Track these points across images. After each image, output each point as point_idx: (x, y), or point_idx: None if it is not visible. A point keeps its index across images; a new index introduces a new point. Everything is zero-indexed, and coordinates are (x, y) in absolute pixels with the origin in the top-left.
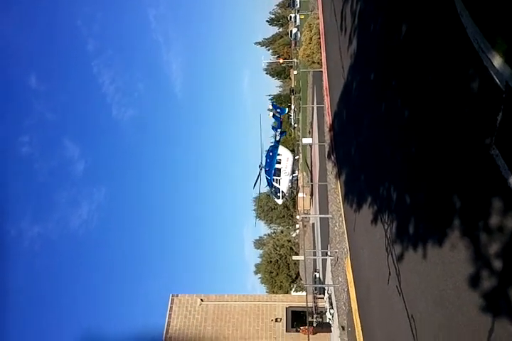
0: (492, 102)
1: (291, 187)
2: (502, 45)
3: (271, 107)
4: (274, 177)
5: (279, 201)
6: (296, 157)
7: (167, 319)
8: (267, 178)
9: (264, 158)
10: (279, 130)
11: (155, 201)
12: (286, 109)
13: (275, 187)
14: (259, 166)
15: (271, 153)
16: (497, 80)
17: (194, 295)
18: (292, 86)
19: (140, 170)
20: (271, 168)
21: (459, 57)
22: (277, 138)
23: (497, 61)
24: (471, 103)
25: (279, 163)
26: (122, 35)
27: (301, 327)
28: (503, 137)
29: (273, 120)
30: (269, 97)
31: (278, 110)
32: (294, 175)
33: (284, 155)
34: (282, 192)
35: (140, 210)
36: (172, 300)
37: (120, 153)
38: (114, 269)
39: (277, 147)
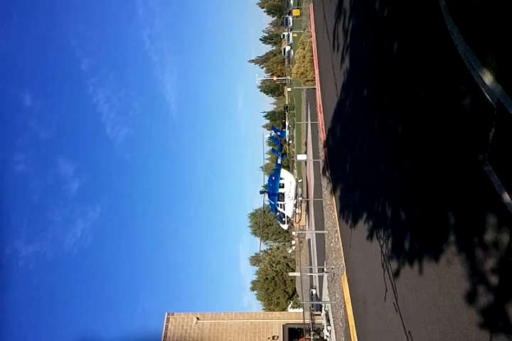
0: (484, 119)
1: (295, 212)
2: (492, 63)
3: (271, 132)
4: (278, 202)
5: (284, 226)
6: (299, 180)
7: (162, 338)
8: (270, 203)
9: (266, 183)
10: (279, 153)
11: (150, 219)
12: (287, 132)
13: (279, 212)
14: (260, 191)
15: (273, 177)
16: (488, 97)
17: (190, 314)
18: (286, 103)
19: (134, 188)
20: (274, 192)
21: (450, 74)
22: (279, 161)
23: (488, 78)
24: (464, 120)
25: (283, 187)
26: (117, 55)
27: (299, 340)
28: (496, 153)
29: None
30: (264, 114)
31: (278, 133)
32: (298, 198)
33: (287, 179)
34: (287, 216)
35: (135, 228)
36: (168, 318)
37: (114, 171)
38: (109, 288)
39: (279, 171)
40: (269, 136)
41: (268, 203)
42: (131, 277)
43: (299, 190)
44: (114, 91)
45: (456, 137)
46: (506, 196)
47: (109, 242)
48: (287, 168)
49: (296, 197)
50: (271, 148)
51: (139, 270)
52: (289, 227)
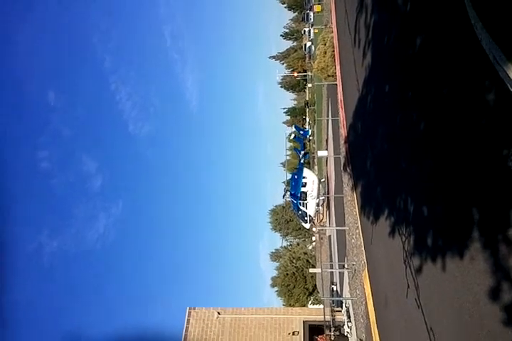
0: (509, 114)
1: (317, 211)
2: None
3: (293, 129)
4: (301, 201)
5: (307, 225)
6: (322, 179)
7: (184, 332)
8: (293, 202)
9: (289, 182)
10: (302, 152)
11: (171, 214)
12: (310, 131)
13: (302, 211)
14: (284, 189)
15: (296, 176)
16: None
17: (211, 308)
18: (307, 99)
19: (157, 185)
20: (296, 191)
21: (475, 69)
22: (301, 161)
23: None
24: (488, 115)
25: (305, 186)
26: (138, 52)
27: (319, 336)
28: None
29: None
30: (284, 110)
31: (301, 132)
32: (320, 198)
33: (310, 178)
34: (309, 216)
35: (157, 224)
36: (189, 313)
37: (137, 168)
38: (131, 283)
39: (302, 170)
40: (293, 136)
41: (290, 201)
42: (153, 272)
43: (322, 189)
44: (136, 89)
45: (480, 132)
46: None
47: (130, 238)
48: (308, 164)
49: (318, 197)
50: (293, 147)
51: (160, 265)
52: (311, 226)
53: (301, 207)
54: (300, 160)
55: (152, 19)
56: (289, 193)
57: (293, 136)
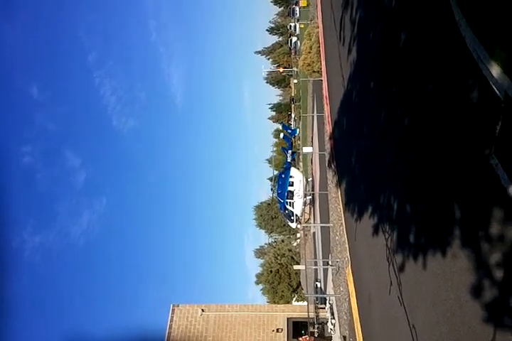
0: (491, 112)
1: (304, 210)
2: (500, 55)
3: (280, 127)
4: (287, 200)
5: (293, 225)
6: (309, 179)
7: (168, 329)
8: (279, 201)
9: (276, 181)
10: (290, 151)
11: (155, 211)
12: (298, 130)
13: (288, 210)
14: (271, 188)
15: (283, 175)
16: (496, 90)
17: (195, 305)
18: (292, 95)
19: (140, 180)
20: (283, 190)
21: (458, 66)
22: (289, 160)
23: (496, 71)
24: (471, 112)
25: (292, 185)
26: (123, 46)
27: (301, 338)
28: (503, 146)
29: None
30: (270, 106)
31: (289, 131)
32: (307, 197)
33: (297, 177)
34: (296, 215)
35: (141, 220)
36: (173, 310)
37: (121, 163)
38: (114, 279)
39: (289, 169)
40: (282, 135)
41: (276, 200)
42: (136, 269)
43: (309, 188)
44: (121, 84)
45: (462, 130)
46: None
47: (113, 235)
48: (293, 160)
49: (305, 196)
50: (281, 146)
51: (144, 261)
52: (297, 226)
53: (288, 207)
54: (287, 159)
55: (138, 13)
56: (276, 192)
57: (282, 135)
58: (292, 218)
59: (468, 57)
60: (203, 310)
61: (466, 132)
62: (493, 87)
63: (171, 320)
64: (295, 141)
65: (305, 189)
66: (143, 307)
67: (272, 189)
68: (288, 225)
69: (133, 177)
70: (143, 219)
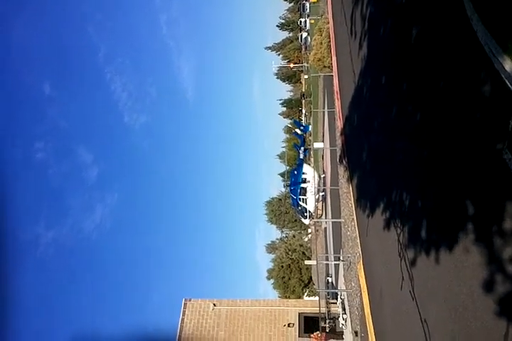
0: (504, 106)
1: (317, 207)
2: None
3: (291, 124)
4: (300, 197)
5: (306, 221)
6: (322, 175)
7: (180, 323)
8: (292, 198)
9: (289, 178)
10: (302, 148)
11: (167, 206)
12: (310, 126)
13: (302, 206)
14: (284, 185)
15: (295, 172)
16: (509, 84)
17: (207, 300)
18: (303, 90)
19: (152, 175)
20: (296, 187)
21: (470, 61)
22: (301, 156)
23: (508, 65)
24: (483, 107)
25: (305, 181)
26: (134, 41)
27: (313, 334)
28: None
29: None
30: (280, 102)
31: (301, 127)
32: (320, 194)
33: (310, 173)
34: (309, 211)
35: (152, 215)
36: (185, 304)
37: (132, 159)
38: (127, 273)
39: (302, 165)
40: (297, 131)
41: (290, 196)
42: (149, 263)
43: (321, 184)
44: (131, 79)
45: (475, 125)
46: None
47: (126, 228)
48: (305, 157)
49: (318, 192)
50: (293, 143)
51: (157, 256)
52: (310, 222)
53: (301, 203)
54: (299, 155)
55: (148, 7)
56: (288, 189)
57: (298, 131)
58: (305, 214)
59: (480, 52)
60: (214, 305)
61: (478, 127)
62: (506, 81)
63: (183, 314)
64: (307, 138)
65: (318, 185)
66: (156, 301)
67: (284, 185)
68: (300, 221)
69: (144, 172)
70: (155, 215)
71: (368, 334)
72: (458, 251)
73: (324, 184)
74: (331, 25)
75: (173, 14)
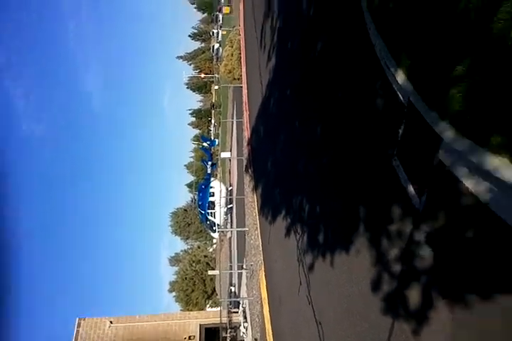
0: (395, 117)
1: (226, 220)
2: (405, 61)
3: (196, 142)
4: (209, 211)
5: (215, 235)
6: (230, 188)
7: None
8: (200, 213)
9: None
10: (209, 162)
11: (67, 216)
12: (217, 141)
13: (210, 220)
14: (192, 199)
15: (203, 186)
16: (400, 96)
17: (103, 318)
18: (213, 101)
19: (52, 186)
20: (204, 201)
21: (367, 74)
22: (209, 171)
23: (400, 77)
24: (377, 118)
25: (213, 195)
26: (38, 47)
27: None
28: (404, 149)
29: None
30: (190, 111)
31: (208, 142)
32: (228, 206)
33: (217, 187)
34: (218, 225)
35: (51, 227)
36: (79, 323)
37: (32, 171)
38: (17, 292)
39: (209, 180)
40: (201, 146)
41: (198, 212)
42: (40, 279)
43: (229, 197)
44: (33, 86)
45: (369, 134)
46: (411, 189)
47: (22, 242)
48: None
49: (226, 205)
50: (201, 158)
51: (52, 274)
52: (219, 235)
53: (210, 217)
54: (207, 170)
55: (57, 15)
56: (196, 204)
57: (205, 145)
58: (214, 228)
59: (376, 65)
60: (111, 322)
61: (371, 136)
62: (398, 93)
63: (77, 334)
64: (214, 152)
65: (226, 198)
66: (47, 321)
67: (192, 199)
68: (206, 231)
69: (43, 184)
70: (53, 227)
71: (266, 339)
72: (351, 254)
73: (231, 194)
74: (242, 37)
75: (82, 22)
